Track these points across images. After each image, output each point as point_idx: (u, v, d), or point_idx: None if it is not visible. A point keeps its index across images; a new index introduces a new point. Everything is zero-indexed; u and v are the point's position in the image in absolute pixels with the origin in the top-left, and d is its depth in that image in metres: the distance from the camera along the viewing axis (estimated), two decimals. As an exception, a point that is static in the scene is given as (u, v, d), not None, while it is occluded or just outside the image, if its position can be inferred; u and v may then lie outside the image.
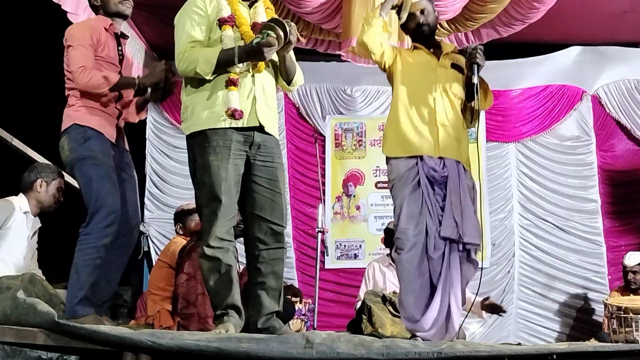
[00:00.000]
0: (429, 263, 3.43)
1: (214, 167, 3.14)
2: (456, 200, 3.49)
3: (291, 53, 3.42)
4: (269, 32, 3.12)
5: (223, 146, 3.15)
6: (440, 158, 3.56)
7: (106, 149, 3.43)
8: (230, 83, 3.20)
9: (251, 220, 3.28)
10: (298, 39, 3.30)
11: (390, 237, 5.75)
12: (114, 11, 3.57)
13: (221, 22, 3.26)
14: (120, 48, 3.61)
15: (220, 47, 3.23)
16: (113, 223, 3.32)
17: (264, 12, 3.41)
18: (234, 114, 3.16)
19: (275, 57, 3.36)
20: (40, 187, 4.21)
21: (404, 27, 3.85)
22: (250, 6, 3.39)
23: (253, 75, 3.26)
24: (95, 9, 3.64)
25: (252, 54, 3.17)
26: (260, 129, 3.25)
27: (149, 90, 3.64)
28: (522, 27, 6.44)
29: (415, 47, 3.82)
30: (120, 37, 3.63)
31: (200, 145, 3.20)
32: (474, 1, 6.04)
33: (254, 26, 3.31)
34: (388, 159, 3.67)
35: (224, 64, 3.18)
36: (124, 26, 3.80)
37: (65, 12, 4.98)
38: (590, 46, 7.65)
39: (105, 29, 3.55)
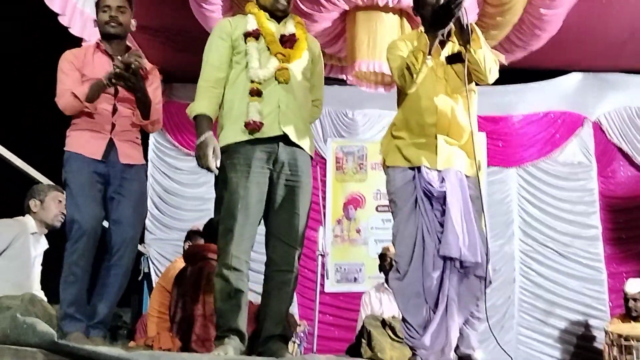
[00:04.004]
0: (427, 281, 3.36)
1: (232, 184, 3.12)
2: (457, 215, 3.34)
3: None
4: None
5: (244, 164, 3.12)
6: (439, 171, 3.41)
7: (81, 167, 3.40)
8: (254, 93, 3.17)
9: (267, 239, 3.26)
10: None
11: (384, 262, 5.75)
12: (102, 32, 3.60)
13: (246, 36, 3.26)
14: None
15: (244, 61, 3.23)
16: (80, 239, 3.29)
17: (293, 27, 3.36)
18: (252, 126, 3.12)
19: (305, 82, 3.34)
20: (35, 206, 4.26)
21: (421, 17, 3.52)
22: (279, 22, 3.36)
23: (279, 83, 3.21)
24: None
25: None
26: (285, 140, 3.19)
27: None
28: (523, 54, 6.48)
29: None
30: (118, 54, 3.57)
31: (223, 161, 3.17)
32: (475, 28, 6.09)
33: (282, 38, 3.30)
34: (386, 167, 3.57)
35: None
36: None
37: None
38: (591, 72, 7.70)
39: (95, 48, 3.57)
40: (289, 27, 3.36)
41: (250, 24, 3.29)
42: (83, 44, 5.09)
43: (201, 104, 3.21)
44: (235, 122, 3.18)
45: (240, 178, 3.12)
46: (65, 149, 3.48)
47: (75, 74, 3.49)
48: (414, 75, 3.40)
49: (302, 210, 3.24)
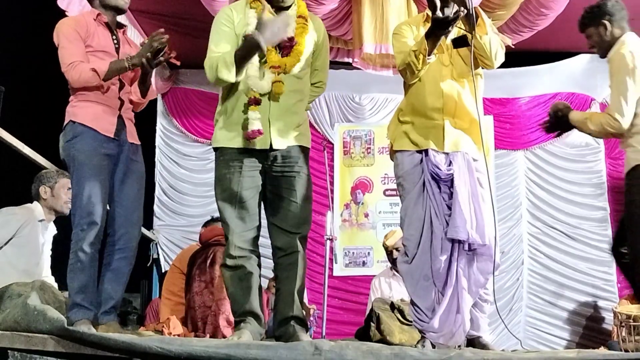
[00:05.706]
0: (435, 264, 3.36)
1: (226, 180, 3.19)
2: (464, 198, 3.36)
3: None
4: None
5: (235, 159, 3.18)
6: (446, 153, 3.43)
7: (95, 146, 3.33)
8: (252, 102, 3.15)
9: (270, 229, 3.31)
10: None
11: (387, 254, 5.73)
12: (112, 5, 3.53)
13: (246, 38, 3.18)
14: (115, 37, 3.54)
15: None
16: (88, 227, 3.25)
17: (293, 22, 3.25)
18: (251, 135, 3.12)
19: (300, 84, 3.30)
20: (45, 193, 4.24)
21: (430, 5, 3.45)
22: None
23: (270, 99, 3.18)
24: (90, 1, 3.59)
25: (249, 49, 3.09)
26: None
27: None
28: (530, 35, 6.44)
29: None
30: (114, 27, 3.56)
31: (217, 159, 3.26)
32: (481, 8, 6.04)
33: (280, 43, 3.21)
34: (393, 152, 3.59)
35: (242, 58, 3.09)
36: (124, 21, 3.76)
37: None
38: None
39: (94, 20, 3.49)
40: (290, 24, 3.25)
41: (251, 24, 3.18)
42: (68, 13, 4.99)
43: (221, 58, 3.11)
44: (231, 128, 3.20)
45: (232, 174, 3.18)
46: (73, 119, 3.37)
47: (81, 44, 3.40)
48: (416, 72, 3.42)
49: (300, 198, 3.29)
